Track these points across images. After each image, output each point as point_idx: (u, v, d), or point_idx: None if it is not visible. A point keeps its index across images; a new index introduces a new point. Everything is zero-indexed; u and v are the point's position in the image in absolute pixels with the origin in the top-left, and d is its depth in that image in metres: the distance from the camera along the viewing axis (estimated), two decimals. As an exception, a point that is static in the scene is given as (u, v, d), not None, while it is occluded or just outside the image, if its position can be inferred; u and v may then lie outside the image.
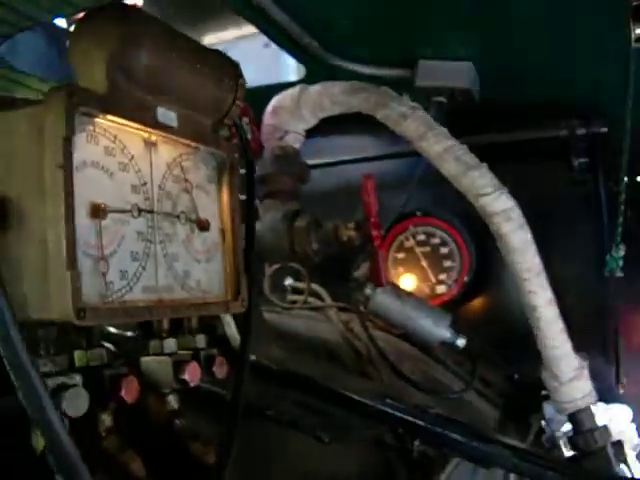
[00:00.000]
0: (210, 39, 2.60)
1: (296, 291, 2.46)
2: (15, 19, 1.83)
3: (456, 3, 1.76)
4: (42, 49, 2.24)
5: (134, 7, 0.80)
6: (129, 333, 1.08)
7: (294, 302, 2.29)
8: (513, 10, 1.78)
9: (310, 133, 1.84)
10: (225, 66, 0.92)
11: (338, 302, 2.18)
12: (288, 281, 2.50)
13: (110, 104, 0.75)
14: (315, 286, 2.28)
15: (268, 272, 2.18)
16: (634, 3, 1.31)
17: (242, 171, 1.02)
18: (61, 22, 2.22)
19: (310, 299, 2.25)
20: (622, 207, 1.99)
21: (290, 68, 2.43)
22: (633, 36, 1.34)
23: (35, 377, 0.62)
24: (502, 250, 1.72)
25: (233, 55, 2.56)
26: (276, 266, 2.16)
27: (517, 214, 1.69)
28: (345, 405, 1.12)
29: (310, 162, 1.87)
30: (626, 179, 2.35)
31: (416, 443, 1.13)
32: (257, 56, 2.47)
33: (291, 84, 1.92)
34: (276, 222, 1.66)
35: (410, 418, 1.11)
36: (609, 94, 2.11)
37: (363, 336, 1.85)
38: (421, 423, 1.10)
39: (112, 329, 1.09)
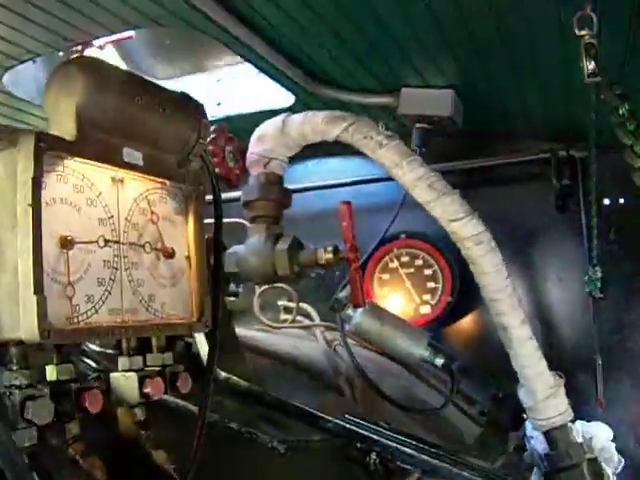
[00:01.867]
0: (206, 66, 2.68)
1: (288, 310, 2.54)
2: (17, 53, 1.95)
3: (436, 34, 1.84)
4: (43, 79, 2.34)
5: (100, 60, 0.89)
6: (109, 351, 1.17)
7: (285, 321, 2.38)
8: (485, 44, 1.86)
9: (294, 158, 1.91)
10: (188, 107, 1.01)
11: (327, 321, 2.26)
12: (281, 301, 2.59)
13: (78, 148, 0.85)
14: (305, 305, 2.36)
15: (257, 292, 2.26)
16: (584, 42, 1.39)
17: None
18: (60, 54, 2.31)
19: (300, 318, 2.33)
20: (595, 230, 2.05)
21: (283, 94, 2.51)
22: (586, 72, 1.41)
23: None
24: (474, 273, 1.79)
25: (227, 83, 2.64)
26: (265, 287, 2.24)
27: (487, 238, 1.75)
28: (305, 419, 1.20)
29: (298, 185, 1.95)
30: (607, 201, 2.44)
31: (372, 456, 1.20)
32: (251, 83, 2.56)
33: (280, 111, 2.00)
34: (259, 245, 1.73)
35: (365, 432, 1.18)
36: (584, 120, 2.18)
37: (345, 355, 1.93)
38: (375, 437, 1.18)
39: (93, 346, 1.18)
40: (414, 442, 1.19)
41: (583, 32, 1.44)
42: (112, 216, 0.91)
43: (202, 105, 1.04)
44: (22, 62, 2.04)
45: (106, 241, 0.89)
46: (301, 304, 2.33)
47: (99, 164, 0.89)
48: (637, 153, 1.20)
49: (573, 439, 1.95)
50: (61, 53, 2.31)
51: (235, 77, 2.62)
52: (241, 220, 1.98)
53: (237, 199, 1.78)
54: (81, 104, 0.85)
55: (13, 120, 2.44)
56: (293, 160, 1.90)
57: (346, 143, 1.80)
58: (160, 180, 1.00)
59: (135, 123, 0.92)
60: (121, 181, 0.93)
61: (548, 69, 1.94)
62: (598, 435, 2.24)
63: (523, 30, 1.72)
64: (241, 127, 2.43)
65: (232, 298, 2.30)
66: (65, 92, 0.85)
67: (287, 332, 2.22)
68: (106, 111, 0.88)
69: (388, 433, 1.21)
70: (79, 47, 2.01)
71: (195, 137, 1.02)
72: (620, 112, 1.27)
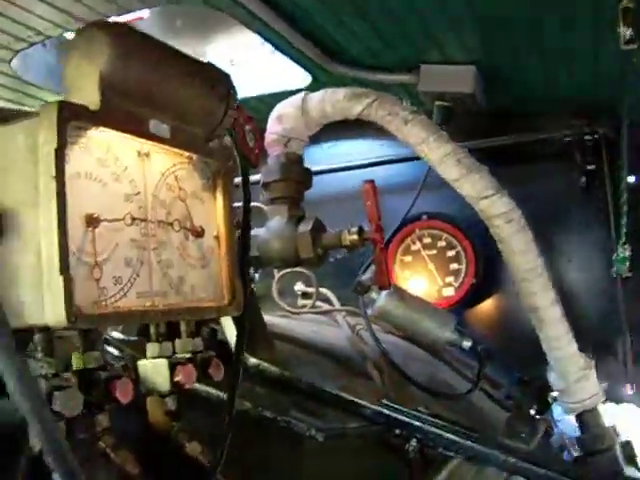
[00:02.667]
0: (218, 48, 2.63)
1: (306, 295, 2.49)
2: (26, 34, 1.89)
3: (456, 8, 1.78)
4: (53, 62, 2.29)
5: (125, 24, 0.83)
6: (132, 338, 1.12)
7: (304, 306, 2.33)
8: (514, 13, 1.80)
9: (314, 139, 1.87)
10: (216, 78, 0.95)
11: (347, 306, 2.21)
12: (298, 286, 2.54)
13: (102, 118, 0.79)
14: (324, 290, 2.31)
15: (276, 277, 2.22)
16: (622, 6, 1.33)
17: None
18: (71, 36, 2.26)
19: (319, 303, 2.28)
20: (625, 207, 2.00)
21: (298, 75, 2.45)
22: (622, 39, 1.35)
23: (27, 380, 0.65)
24: (503, 252, 1.74)
25: (242, 65, 2.60)
26: (284, 271, 2.19)
27: (518, 216, 1.70)
28: (341, 406, 1.15)
29: (314, 168, 1.89)
30: (631, 179, 2.37)
31: (412, 443, 1.15)
32: (265, 64, 2.51)
33: (296, 91, 1.95)
34: (281, 228, 1.68)
35: (405, 419, 1.14)
36: (610, 95, 2.12)
37: (369, 339, 1.88)
38: (416, 423, 1.13)
39: (115, 333, 1.13)
40: (456, 428, 1.14)
41: (619, -5, 1.38)
42: (139, 192, 0.86)
43: (229, 75, 0.98)
44: (32, 45, 1.98)
45: (133, 219, 0.84)
46: (320, 289, 2.28)
47: (125, 135, 0.83)
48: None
49: (605, 422, 1.91)
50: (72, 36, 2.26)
51: (249, 59, 2.57)
52: (257, 203, 1.93)
53: (253, 183, 1.73)
54: (105, 70, 0.78)
55: (22, 105, 2.39)
56: (310, 142, 1.85)
57: (369, 120, 1.74)
58: (187, 154, 0.94)
59: (162, 92, 0.86)
60: (147, 155, 0.88)
61: (579, 39, 1.87)
62: (628, 417, 2.20)
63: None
64: (257, 109, 2.39)
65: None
66: (88, 57, 0.79)
67: (307, 317, 2.17)
68: (132, 79, 0.82)
69: (429, 419, 1.15)
70: (90, 27, 1.95)
71: (223, 109, 0.96)
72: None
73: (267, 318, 1.61)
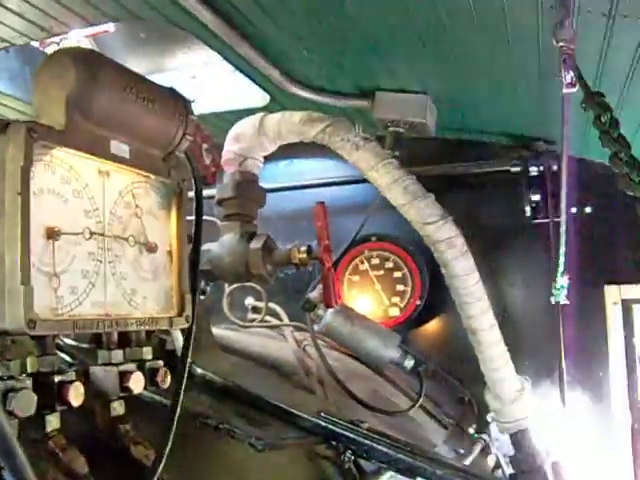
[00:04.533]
0: (181, 62, 2.67)
1: (256, 310, 2.54)
2: (-9, 41, 1.92)
3: (411, 38, 1.85)
4: (16, 69, 2.31)
5: (93, 51, 0.89)
6: (84, 345, 1.16)
7: (253, 320, 2.38)
8: (465, 50, 1.88)
9: (270, 157, 1.92)
10: (176, 103, 1.01)
11: (294, 322, 2.27)
12: (248, 300, 2.59)
13: (67, 138, 0.84)
14: (274, 305, 2.37)
15: (227, 291, 2.26)
16: (563, 52, 1.41)
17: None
18: (35, 44, 2.29)
19: (269, 318, 2.33)
20: (563, 238, 2.09)
21: (257, 94, 2.51)
22: (564, 82, 1.43)
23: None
24: (446, 276, 1.81)
25: (202, 81, 2.64)
26: (234, 285, 2.24)
27: (460, 242, 1.78)
28: (281, 417, 1.20)
29: (269, 186, 1.95)
30: (574, 209, 2.48)
31: (347, 454, 1.21)
32: (225, 81, 2.55)
33: (254, 110, 2.00)
34: (233, 244, 1.73)
35: (341, 431, 1.19)
36: (554, 130, 2.22)
37: (315, 355, 1.93)
38: (351, 435, 1.19)
39: (68, 340, 1.17)
40: (389, 441, 1.20)
41: (562, 43, 1.46)
42: (97, 208, 0.91)
43: (189, 101, 1.04)
44: (-5, 51, 2.02)
45: (91, 233, 0.89)
46: (269, 304, 2.33)
47: (87, 155, 0.88)
48: (622, 160, 1.22)
49: (537, 442, 1.99)
50: (36, 44, 2.29)
51: (210, 75, 2.61)
52: (213, 218, 1.98)
53: (208, 197, 1.78)
54: (72, 94, 0.84)
55: (-17, 110, 2.41)
56: (265, 160, 1.90)
57: (322, 144, 1.81)
58: (145, 174, 0.99)
59: (124, 116, 0.92)
60: (107, 173, 0.93)
61: (525, 79, 1.97)
62: (559, 438, 2.28)
63: (503, 39, 1.74)
64: (215, 125, 2.44)
65: (201, 297, 2.30)
66: (57, 81, 0.84)
67: (256, 331, 2.22)
68: (96, 102, 0.87)
69: (364, 432, 1.21)
70: (55, 38, 1.98)
71: (181, 133, 1.02)
72: (603, 120, 1.29)
73: (216, 330, 1.66)
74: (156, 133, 0.99)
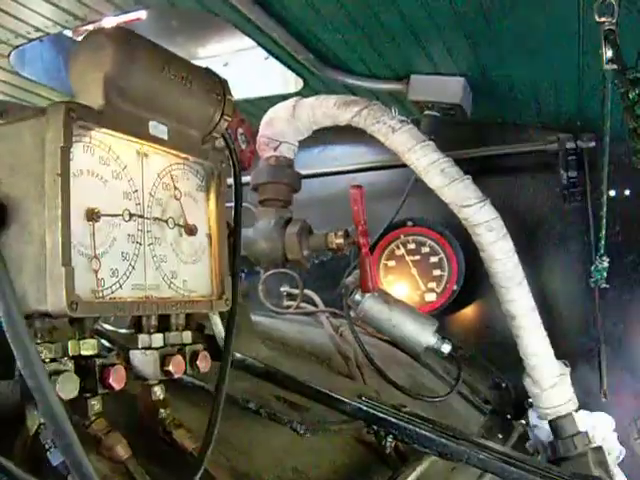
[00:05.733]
0: (212, 50, 2.67)
1: (291, 297, 2.54)
2: (26, 30, 1.93)
3: (449, 20, 1.83)
4: (49, 59, 2.32)
5: (128, 30, 0.88)
6: (123, 330, 1.16)
7: (289, 307, 2.37)
8: (504, 29, 1.85)
9: (304, 143, 1.91)
10: (213, 83, 1.00)
11: (330, 308, 2.26)
12: (284, 287, 2.59)
13: (105, 119, 0.83)
14: (309, 292, 2.36)
15: (262, 277, 2.26)
16: (604, 28, 1.38)
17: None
18: (68, 33, 2.30)
19: (304, 304, 2.33)
20: (604, 220, 2.05)
21: (290, 80, 2.50)
22: (604, 59, 1.40)
23: (37, 359, 0.70)
24: (484, 259, 1.79)
25: (235, 68, 2.64)
26: (271, 272, 2.23)
27: (499, 225, 1.75)
28: (322, 401, 1.19)
29: (304, 172, 1.93)
30: (612, 192, 2.44)
31: (389, 439, 1.20)
32: (258, 68, 2.55)
33: (288, 96, 1.99)
34: (269, 229, 1.72)
35: (383, 415, 1.18)
36: (593, 110, 2.18)
37: (351, 340, 1.92)
38: (393, 420, 1.17)
39: (106, 325, 1.17)
40: (431, 425, 1.18)
41: (603, 18, 1.43)
42: (136, 190, 0.90)
43: (227, 81, 1.03)
44: (30, 41, 2.02)
45: (131, 215, 0.88)
46: (305, 291, 2.33)
47: (125, 136, 0.87)
48: (640, 135, 1.20)
49: (577, 428, 1.96)
50: (70, 33, 2.29)
51: (242, 62, 2.61)
52: (247, 204, 1.97)
53: (243, 184, 1.77)
54: (109, 74, 0.83)
55: (18, 99, 2.42)
56: (299, 147, 1.89)
57: (358, 127, 1.79)
58: (184, 155, 0.98)
59: (162, 96, 0.91)
60: (145, 155, 0.92)
61: (563, 58, 1.93)
62: (601, 425, 2.25)
63: (541, 18, 1.71)
64: (249, 112, 2.43)
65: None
66: (94, 61, 0.84)
67: (292, 318, 2.21)
68: (134, 82, 0.87)
69: (405, 416, 1.20)
70: (89, 27, 1.99)
71: (220, 113, 1.00)
72: (630, 96, 1.27)
73: (253, 317, 1.65)
74: (194, 113, 0.98)
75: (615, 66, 1.43)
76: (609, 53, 1.41)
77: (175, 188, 0.98)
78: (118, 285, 0.86)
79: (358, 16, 1.87)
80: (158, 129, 0.92)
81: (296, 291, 2.38)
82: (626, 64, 1.41)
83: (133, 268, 0.88)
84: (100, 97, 0.84)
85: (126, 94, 0.86)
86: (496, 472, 1.16)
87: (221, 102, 1.01)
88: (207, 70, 1.01)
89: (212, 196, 1.04)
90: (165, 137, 0.94)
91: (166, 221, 0.95)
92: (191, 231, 0.99)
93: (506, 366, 2.36)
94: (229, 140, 1.07)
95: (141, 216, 0.90)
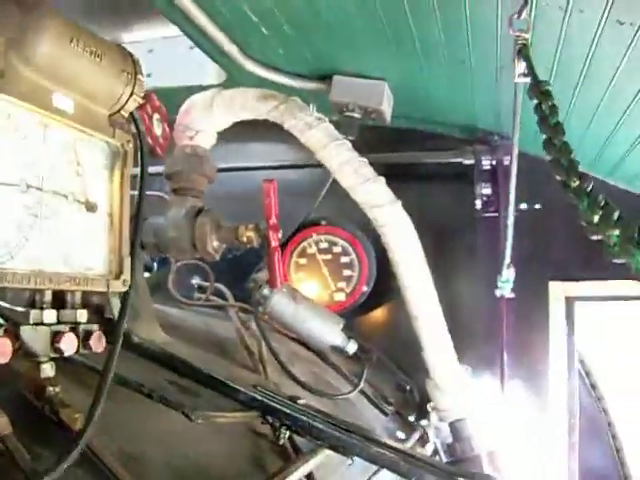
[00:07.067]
0: (138, 36, 2.63)
1: (202, 289, 2.52)
2: None
3: (375, 24, 1.85)
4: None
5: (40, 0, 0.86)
6: (19, 308, 1.13)
7: (199, 299, 2.35)
8: (424, 36, 1.88)
9: (223, 137, 1.90)
10: (125, 61, 0.99)
11: (241, 303, 2.25)
12: (195, 279, 2.56)
13: (5, 85, 0.81)
14: (220, 286, 2.34)
15: (173, 268, 2.23)
16: (518, 43, 1.42)
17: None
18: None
19: (214, 298, 2.31)
20: (511, 231, 2.11)
21: (214, 72, 2.48)
22: (517, 72, 1.44)
23: None
24: (391, 261, 1.82)
25: (159, 55, 2.60)
26: (181, 262, 2.21)
27: (408, 227, 1.78)
28: (217, 388, 1.19)
29: (220, 165, 1.92)
30: (524, 205, 2.50)
31: (283, 430, 1.20)
32: (183, 57, 2.52)
33: (211, 87, 1.97)
34: (180, 217, 1.71)
35: (277, 405, 1.18)
36: (506, 124, 2.24)
37: (258, 336, 1.92)
38: (287, 411, 1.18)
39: (1, 303, 1.14)
40: (325, 418, 1.20)
41: (517, 32, 1.47)
42: (36, 162, 0.88)
43: (138, 60, 1.01)
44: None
45: (28, 186, 0.86)
46: (215, 284, 2.31)
47: (27, 104, 0.85)
48: (555, 145, 1.25)
49: (475, 431, 2.02)
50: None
51: (167, 50, 2.58)
52: (161, 193, 1.95)
53: (157, 174, 1.74)
54: (13, 40, 0.81)
55: None
56: (217, 140, 1.88)
57: (275, 122, 1.80)
58: (89, 132, 0.97)
59: (68, 68, 0.89)
60: (48, 127, 0.90)
61: (482, 71, 1.98)
62: (497, 428, 2.31)
63: (462, 28, 1.74)
64: (170, 99, 2.39)
65: (147, 274, 2.27)
66: (-1, 25, 0.82)
67: (200, 310, 2.20)
68: (38, 49, 0.85)
69: (300, 407, 1.21)
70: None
71: (129, 92, 0.99)
72: (543, 107, 1.31)
73: (160, 307, 1.64)
74: (102, 89, 0.96)
75: (527, 80, 1.47)
76: (521, 67, 1.45)
77: (78, 164, 0.96)
78: (9, 256, 0.84)
79: (284, 14, 1.87)
80: (63, 102, 0.90)
81: (207, 284, 2.36)
82: (538, 78, 1.44)
83: (27, 240, 0.86)
84: (1, 62, 0.81)
85: (30, 62, 0.84)
86: (387, 466, 1.18)
87: (131, 81, 0.99)
88: (119, 47, 0.99)
89: (116, 175, 1.03)
90: (70, 111, 0.92)
91: (65, 196, 0.93)
92: (91, 208, 0.98)
93: (413, 369, 2.40)
94: (138, 120, 1.06)
95: (39, 188, 0.88)
